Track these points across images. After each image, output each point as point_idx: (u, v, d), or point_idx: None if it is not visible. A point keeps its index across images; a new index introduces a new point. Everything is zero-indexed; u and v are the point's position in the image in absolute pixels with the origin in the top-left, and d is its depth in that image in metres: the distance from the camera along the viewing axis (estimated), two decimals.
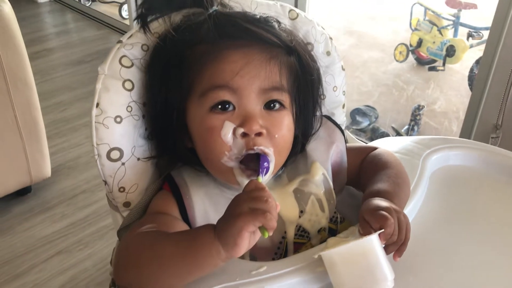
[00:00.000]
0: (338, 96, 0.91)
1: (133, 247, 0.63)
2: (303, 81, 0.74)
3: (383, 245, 0.62)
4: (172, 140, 0.72)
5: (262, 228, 0.54)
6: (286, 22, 0.82)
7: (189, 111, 0.69)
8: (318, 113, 0.79)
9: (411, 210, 0.74)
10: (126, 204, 0.74)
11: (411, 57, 2.91)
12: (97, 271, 1.56)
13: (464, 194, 0.81)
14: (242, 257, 0.68)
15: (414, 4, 2.88)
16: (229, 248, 0.55)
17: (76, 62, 2.91)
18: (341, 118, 0.94)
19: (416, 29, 2.88)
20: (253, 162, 0.67)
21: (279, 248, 0.71)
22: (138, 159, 0.74)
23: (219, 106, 0.66)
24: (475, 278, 0.66)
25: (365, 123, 2.50)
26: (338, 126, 0.83)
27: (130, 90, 0.72)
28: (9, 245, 1.66)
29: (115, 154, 0.71)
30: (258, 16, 0.73)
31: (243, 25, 0.68)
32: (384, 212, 0.62)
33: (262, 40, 0.68)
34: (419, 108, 2.44)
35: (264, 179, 0.66)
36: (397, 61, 2.92)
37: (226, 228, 0.56)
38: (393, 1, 3.44)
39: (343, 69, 0.90)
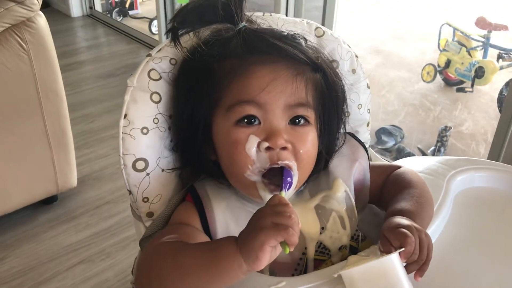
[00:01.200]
0: (362, 114, 0.91)
1: (155, 256, 0.64)
2: (328, 98, 0.74)
3: (404, 264, 0.61)
4: (197, 152, 0.73)
5: (284, 244, 0.55)
6: (312, 40, 0.83)
7: (215, 124, 0.70)
8: (342, 130, 0.79)
9: (434, 230, 0.73)
10: (149, 214, 0.75)
11: (438, 78, 2.88)
12: (118, 282, 1.57)
13: (488, 217, 0.80)
14: (262, 272, 0.68)
15: (443, 24, 2.85)
16: (251, 262, 0.56)
17: (106, 75, 2.98)
18: (365, 136, 0.93)
19: (444, 49, 2.86)
20: (276, 177, 0.67)
21: (299, 264, 0.71)
22: (163, 170, 0.75)
23: (245, 120, 0.67)
24: None
25: (390, 143, 2.48)
26: (362, 143, 0.83)
27: (157, 103, 0.73)
28: (34, 252, 1.69)
29: (140, 165, 0.73)
30: (285, 33, 0.74)
31: (270, 41, 0.69)
32: (404, 230, 0.61)
33: (289, 56, 0.69)
34: (446, 129, 2.41)
35: (287, 194, 0.66)
36: (424, 81, 2.89)
37: (249, 241, 0.56)
38: (422, 21, 3.42)
39: (368, 87, 0.90)
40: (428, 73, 2.86)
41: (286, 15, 2.36)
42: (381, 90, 2.81)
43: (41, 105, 1.63)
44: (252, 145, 0.66)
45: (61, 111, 1.70)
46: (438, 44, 2.89)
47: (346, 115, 0.89)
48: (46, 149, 1.71)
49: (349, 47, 0.88)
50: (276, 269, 0.70)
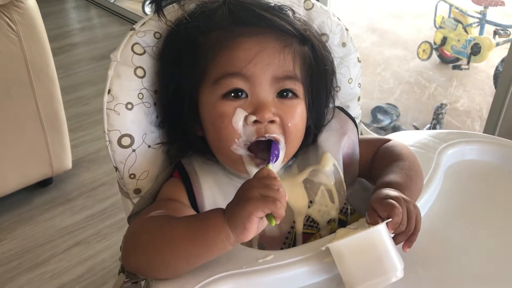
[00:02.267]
0: (353, 89, 0.90)
1: (142, 231, 0.63)
2: (316, 71, 0.73)
3: (392, 235, 0.61)
4: (183, 127, 0.72)
5: (270, 216, 0.55)
6: (301, 12, 0.82)
7: (201, 98, 0.69)
8: (331, 105, 0.78)
9: (424, 203, 0.73)
10: (137, 191, 0.75)
11: (434, 56, 2.86)
12: (114, 263, 1.58)
13: (479, 189, 0.80)
14: (250, 246, 0.69)
15: (439, 1, 2.82)
16: (238, 232, 0.56)
17: (99, 57, 2.95)
18: (356, 110, 0.93)
19: (440, 27, 2.83)
20: (263, 151, 0.67)
21: (288, 238, 0.71)
22: (149, 146, 0.74)
23: (232, 94, 0.66)
24: (486, 273, 0.65)
25: (386, 121, 2.47)
26: (351, 117, 0.82)
27: (141, 77, 0.72)
28: (31, 234, 1.69)
29: (126, 141, 0.72)
30: (272, 4, 0.72)
31: (257, 11, 0.68)
32: (392, 201, 0.61)
33: (277, 27, 0.67)
34: (441, 106, 2.40)
35: (274, 166, 0.66)
36: (420, 59, 2.87)
37: (236, 212, 0.56)
38: None
39: (359, 61, 0.89)
40: (424, 50, 2.84)
41: None
42: (377, 68, 2.79)
43: (33, 87, 1.62)
44: (239, 119, 0.66)
45: (54, 93, 1.69)
46: (434, 21, 2.86)
47: (336, 89, 0.88)
48: (40, 131, 1.70)
49: (339, 20, 0.86)
50: (265, 243, 0.70)
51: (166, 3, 0.72)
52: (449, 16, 2.80)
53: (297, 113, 0.69)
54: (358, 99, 0.92)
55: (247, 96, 0.67)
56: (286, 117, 0.68)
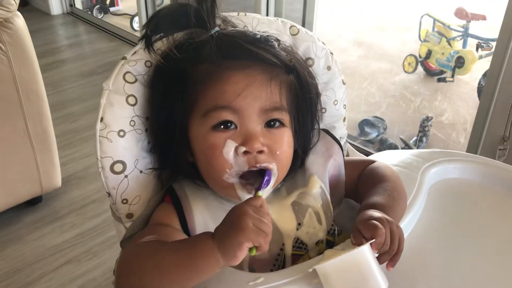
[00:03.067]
0: (339, 110, 0.92)
1: (134, 256, 0.65)
2: (302, 98, 0.75)
3: (376, 255, 0.63)
4: (174, 154, 0.74)
5: (253, 247, 0.58)
6: (286, 39, 0.84)
7: (192, 128, 0.71)
8: (316, 127, 0.80)
9: (408, 222, 0.75)
10: (129, 216, 0.76)
11: (420, 68, 2.91)
12: (105, 281, 1.58)
13: (462, 207, 0.82)
14: (241, 268, 0.70)
15: (423, 15, 2.88)
16: (228, 258, 0.58)
17: (88, 73, 2.95)
18: (342, 131, 0.95)
19: (425, 40, 2.89)
20: (254, 177, 0.69)
21: (277, 260, 0.72)
22: (141, 171, 0.76)
23: (221, 126, 0.68)
24: None
25: (373, 134, 2.50)
26: (336, 140, 0.84)
27: (133, 105, 0.74)
28: (20, 254, 1.68)
29: (118, 167, 0.73)
30: (258, 36, 0.74)
31: (244, 45, 0.69)
32: (375, 222, 0.63)
33: (263, 60, 0.70)
34: (427, 119, 2.44)
35: (264, 192, 0.68)
36: (406, 72, 2.92)
37: (227, 238, 0.58)
38: (403, 12, 3.45)
39: (344, 83, 0.92)
40: (409, 64, 2.90)
41: (267, 9, 2.36)
42: (363, 82, 2.83)
43: (22, 106, 1.62)
44: (229, 150, 0.68)
45: (43, 112, 1.69)
46: (419, 35, 2.92)
47: (322, 111, 0.91)
48: (29, 150, 1.70)
49: (324, 44, 0.89)
50: (254, 265, 0.71)
51: (155, 39, 0.74)
52: (433, 30, 2.86)
53: (285, 141, 0.72)
54: (344, 120, 0.94)
55: (236, 127, 0.69)
56: (275, 146, 0.70)
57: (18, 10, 1.60)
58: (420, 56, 2.88)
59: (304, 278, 0.63)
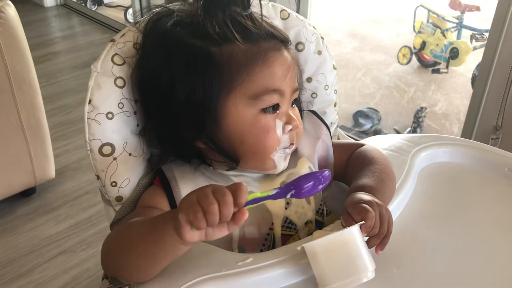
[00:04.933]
0: (329, 95, 0.93)
1: (114, 236, 0.66)
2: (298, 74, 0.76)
3: (366, 238, 0.63)
4: (177, 136, 0.72)
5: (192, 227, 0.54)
6: (277, 23, 0.84)
7: (229, 111, 0.68)
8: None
9: (397, 205, 0.75)
10: (118, 198, 0.76)
11: (414, 60, 2.92)
12: (99, 271, 1.58)
13: (451, 190, 0.82)
14: (231, 248, 0.71)
15: (418, 6, 2.88)
16: (179, 235, 0.54)
17: (82, 65, 2.94)
18: (333, 116, 0.95)
19: (419, 31, 2.89)
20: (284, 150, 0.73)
21: (267, 240, 0.73)
22: (130, 154, 0.75)
23: (272, 108, 0.70)
24: (458, 271, 0.67)
25: (367, 125, 2.51)
26: (323, 121, 0.85)
27: (121, 87, 0.73)
28: (14, 245, 1.68)
29: (107, 149, 0.73)
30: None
31: (270, 24, 0.72)
32: (365, 205, 0.64)
33: (285, 40, 0.72)
34: (421, 110, 2.45)
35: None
36: (400, 63, 2.92)
37: (176, 215, 0.54)
38: (397, 4, 3.44)
39: (335, 68, 0.92)
40: (404, 55, 2.90)
41: None
42: (358, 73, 2.83)
43: (15, 97, 1.61)
44: (280, 129, 0.71)
45: (36, 103, 1.69)
46: (413, 26, 2.92)
47: (313, 96, 0.91)
48: (22, 141, 1.70)
49: (315, 29, 0.89)
50: (244, 245, 0.72)
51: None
52: (427, 21, 2.86)
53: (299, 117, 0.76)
54: (335, 105, 0.95)
55: (279, 108, 0.71)
56: (300, 122, 0.74)
57: (12, 1, 1.60)
58: (414, 48, 2.88)
59: (293, 259, 0.64)
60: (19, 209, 1.83)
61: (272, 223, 0.73)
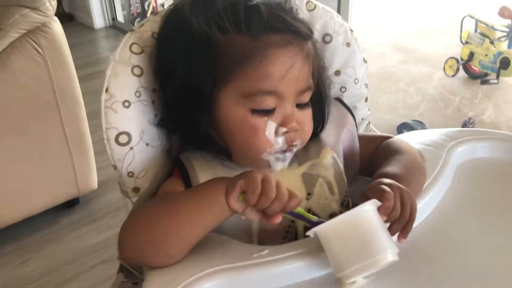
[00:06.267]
0: (360, 89, 0.89)
1: (145, 211, 0.65)
2: (319, 68, 0.73)
3: (387, 224, 0.59)
4: (190, 125, 0.71)
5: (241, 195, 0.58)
6: (303, 16, 0.82)
7: (222, 104, 0.67)
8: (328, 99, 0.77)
9: (430, 200, 0.70)
10: (135, 190, 0.75)
11: (461, 72, 2.81)
12: None
13: (491, 187, 0.76)
14: (250, 241, 0.68)
15: (465, 17, 2.79)
16: (226, 198, 0.59)
17: None
18: (364, 111, 0.91)
19: (467, 42, 2.79)
20: (283, 152, 0.69)
21: (289, 233, 0.70)
22: (147, 144, 0.74)
23: (264, 110, 0.67)
24: (490, 272, 0.61)
25: None
26: (349, 109, 0.82)
27: (139, 76, 0.73)
28: (57, 253, 1.72)
29: (123, 138, 0.72)
30: (283, 3, 0.70)
31: (283, 17, 0.66)
32: (383, 186, 0.60)
33: (300, 34, 0.67)
34: (469, 121, 2.34)
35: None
36: (447, 75, 2.82)
37: (232, 180, 0.60)
38: (443, 16, 3.35)
39: (365, 61, 0.88)
40: (450, 67, 2.79)
41: None
42: (402, 85, 2.75)
43: (59, 109, 1.66)
44: (271, 131, 0.67)
45: (79, 115, 1.73)
46: (460, 37, 2.82)
47: (342, 90, 0.88)
48: (66, 152, 1.74)
49: (343, 21, 0.86)
50: (265, 238, 0.69)
51: None
52: (475, 31, 2.76)
53: (310, 119, 0.71)
54: (366, 100, 0.91)
55: (274, 109, 0.67)
56: (303, 124, 0.69)
57: (64, 25, 1.67)
58: (462, 59, 2.78)
59: (312, 252, 0.60)
60: (63, 219, 1.87)
61: None
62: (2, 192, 1.63)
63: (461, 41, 2.82)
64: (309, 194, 0.71)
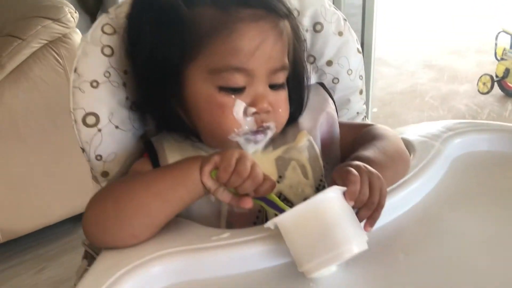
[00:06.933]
0: (353, 81, 0.85)
1: (114, 187, 0.64)
2: (297, 49, 0.70)
3: (355, 209, 0.54)
4: (158, 104, 0.69)
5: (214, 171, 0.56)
6: (293, 1, 0.79)
7: (190, 80, 0.65)
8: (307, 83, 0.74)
9: (416, 190, 0.65)
10: (104, 174, 0.73)
11: (496, 89, 2.70)
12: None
13: (486, 182, 0.70)
14: (219, 225, 0.65)
15: (499, 32, 2.70)
16: (202, 168, 0.57)
17: None
18: (359, 105, 0.87)
19: (502, 58, 2.69)
20: (254, 134, 0.66)
21: (259, 218, 0.66)
22: (117, 127, 0.72)
23: (232, 89, 0.64)
24: (471, 262, 0.55)
25: None
26: (330, 95, 0.77)
27: (109, 56, 0.71)
28: (73, 263, 1.70)
29: (90, 119, 0.70)
30: None
31: None
32: (350, 168, 0.55)
33: (273, 10, 0.64)
34: None
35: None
36: (480, 93, 2.72)
37: (209, 155, 0.58)
38: (477, 33, 3.26)
39: (359, 52, 0.84)
40: (484, 84, 2.69)
41: None
42: (434, 103, 2.67)
43: None
44: (239, 110, 0.64)
45: None
46: (495, 53, 2.73)
47: (335, 82, 0.84)
48: (84, 162, 1.75)
49: (336, 9, 0.82)
50: (234, 222, 0.65)
51: None
52: (511, 47, 2.66)
53: (285, 101, 0.68)
54: (360, 92, 0.86)
55: (244, 87, 0.64)
56: (276, 106, 0.66)
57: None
58: (496, 76, 2.67)
59: (275, 237, 0.55)
60: (81, 229, 1.86)
61: None
62: (21, 201, 1.65)
63: (496, 58, 2.72)
64: (280, 177, 0.67)
